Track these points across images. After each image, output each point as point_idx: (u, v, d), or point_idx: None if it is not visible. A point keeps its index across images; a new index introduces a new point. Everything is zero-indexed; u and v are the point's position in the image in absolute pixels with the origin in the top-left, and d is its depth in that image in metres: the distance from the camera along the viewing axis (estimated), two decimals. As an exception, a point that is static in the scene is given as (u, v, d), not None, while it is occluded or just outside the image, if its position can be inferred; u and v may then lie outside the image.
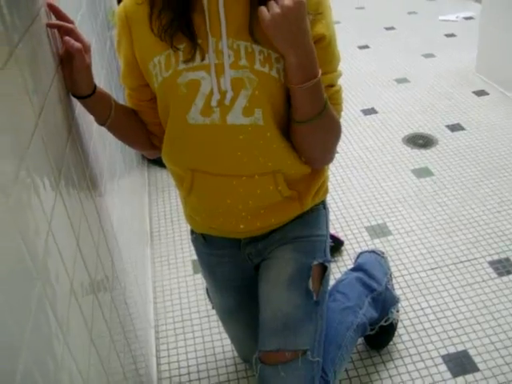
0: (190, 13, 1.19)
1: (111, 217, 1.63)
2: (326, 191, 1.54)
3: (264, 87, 1.20)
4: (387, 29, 5.46)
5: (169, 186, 3.20)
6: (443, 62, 4.64)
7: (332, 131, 1.30)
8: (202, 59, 1.20)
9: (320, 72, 1.19)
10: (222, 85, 1.20)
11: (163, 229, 2.91)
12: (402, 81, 4.33)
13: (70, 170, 1.15)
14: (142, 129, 1.42)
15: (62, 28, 1.22)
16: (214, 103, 1.22)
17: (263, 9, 1.11)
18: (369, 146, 3.52)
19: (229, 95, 1.20)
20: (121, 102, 1.48)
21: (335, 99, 1.29)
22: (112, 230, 1.60)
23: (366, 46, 5.05)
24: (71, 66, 1.22)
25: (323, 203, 1.56)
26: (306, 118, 1.21)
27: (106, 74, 2.19)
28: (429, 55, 4.78)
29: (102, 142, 1.66)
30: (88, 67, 1.25)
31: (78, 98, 1.28)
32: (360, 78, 4.38)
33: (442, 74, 4.41)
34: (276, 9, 1.09)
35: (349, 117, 3.75)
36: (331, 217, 2.81)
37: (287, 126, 1.28)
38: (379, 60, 4.75)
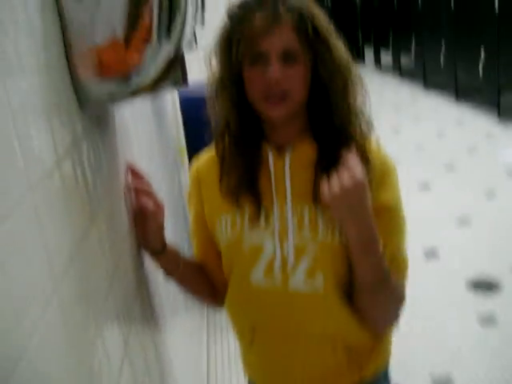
0: (256, 176, 1.26)
1: (170, 355, 1.64)
2: (388, 359, 1.48)
3: (326, 255, 1.22)
4: (447, 167, 5.52)
5: (227, 327, 3.18)
6: (505, 200, 4.61)
7: (395, 300, 1.29)
8: (267, 223, 1.25)
9: (381, 247, 1.18)
10: (285, 250, 1.23)
11: (220, 370, 2.86)
12: (463, 220, 4.30)
13: (135, 317, 1.19)
14: (206, 283, 1.45)
15: (139, 188, 1.29)
16: (276, 268, 1.26)
17: (324, 185, 1.11)
18: (430, 289, 3.44)
19: (291, 261, 1.24)
20: (184, 248, 1.54)
21: (399, 270, 1.30)
22: (170, 368, 1.60)
23: (426, 185, 5.10)
24: (144, 224, 1.28)
25: (384, 374, 1.50)
26: (366, 287, 1.22)
27: (174, 217, 2.29)
28: (490, 193, 4.76)
29: (166, 286, 1.71)
30: (160, 227, 1.31)
31: (149, 252, 1.34)
32: (420, 218, 4.35)
33: (504, 213, 4.36)
34: (336, 188, 1.09)
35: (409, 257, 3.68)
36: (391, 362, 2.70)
37: (349, 291, 1.29)
38: (439, 199, 4.77)
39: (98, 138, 1.08)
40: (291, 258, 1.24)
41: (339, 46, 1.19)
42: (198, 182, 1.39)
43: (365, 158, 1.19)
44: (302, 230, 1.23)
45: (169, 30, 0.98)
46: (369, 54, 12.91)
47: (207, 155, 1.40)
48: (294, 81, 1.15)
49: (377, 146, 1.28)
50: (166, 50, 1.00)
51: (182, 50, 1.05)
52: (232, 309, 1.42)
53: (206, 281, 1.44)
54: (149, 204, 1.27)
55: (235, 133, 1.26)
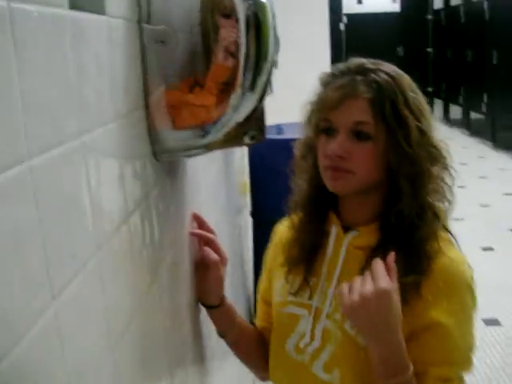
0: (316, 248, 1.20)
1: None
2: None
3: (346, 349, 1.13)
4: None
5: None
6: None
7: None
8: (309, 298, 1.19)
9: (411, 369, 1.01)
10: (316, 330, 1.17)
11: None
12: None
13: (186, 366, 1.13)
14: (261, 355, 1.37)
15: (203, 237, 1.25)
16: (302, 345, 1.19)
17: (344, 290, 1.00)
18: (489, 363, 3.25)
19: (315, 344, 1.16)
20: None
21: None
22: None
23: (490, 248, 4.89)
24: (205, 274, 1.24)
25: None
26: None
27: (232, 269, 2.23)
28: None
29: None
30: (221, 279, 1.26)
31: (205, 306, 1.29)
32: (482, 283, 4.12)
33: None
34: (355, 295, 0.97)
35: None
36: None
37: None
38: (504, 264, 4.55)
39: (167, 186, 1.04)
40: (317, 341, 1.17)
41: (424, 128, 1.07)
42: (275, 244, 1.35)
43: (426, 259, 1.07)
44: (334, 314, 1.15)
45: (254, 80, 0.93)
46: (438, 107, 12.73)
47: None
48: (360, 159, 1.06)
49: (449, 248, 1.11)
50: (250, 102, 0.94)
51: (263, 102, 1.00)
52: (271, 374, 1.34)
53: (261, 352, 1.36)
54: (211, 254, 1.23)
55: (306, 201, 1.20)
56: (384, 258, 1.02)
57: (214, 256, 1.23)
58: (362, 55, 1.15)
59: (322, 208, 1.19)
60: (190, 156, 1.09)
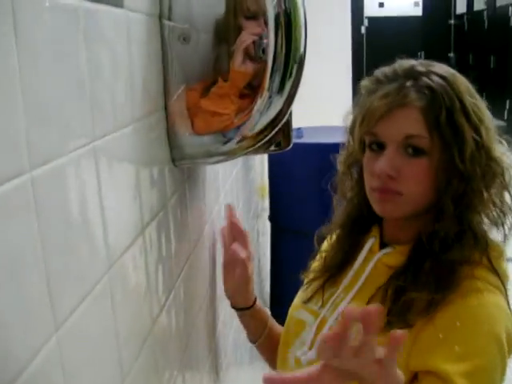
0: (346, 263, 1.08)
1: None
2: None
3: None
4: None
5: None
6: None
7: None
8: (320, 307, 1.08)
9: None
10: (316, 341, 1.04)
11: None
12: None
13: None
14: None
15: (236, 229, 1.20)
16: (299, 354, 1.07)
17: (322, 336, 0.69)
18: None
19: (311, 354, 1.04)
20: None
21: None
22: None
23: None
24: (234, 274, 1.19)
25: None
26: None
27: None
28: None
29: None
30: (249, 278, 1.20)
31: (236, 309, 1.23)
32: None
33: None
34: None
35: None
36: None
37: None
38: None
39: (186, 194, 0.97)
40: (313, 352, 1.04)
41: (483, 141, 0.92)
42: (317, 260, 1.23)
43: (451, 282, 0.90)
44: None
45: (282, 82, 0.86)
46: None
47: None
48: (411, 178, 0.92)
49: (489, 290, 0.91)
50: (277, 106, 0.87)
51: (291, 106, 0.93)
52: None
53: None
54: (240, 251, 1.17)
55: (347, 220, 1.09)
56: (412, 280, 0.92)
57: (242, 253, 1.17)
58: (382, 59, 1.01)
59: (364, 226, 1.08)
60: (210, 163, 1.02)
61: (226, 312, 1.38)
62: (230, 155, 0.89)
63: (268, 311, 1.30)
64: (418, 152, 0.90)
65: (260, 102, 0.85)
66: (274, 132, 0.91)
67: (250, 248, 1.22)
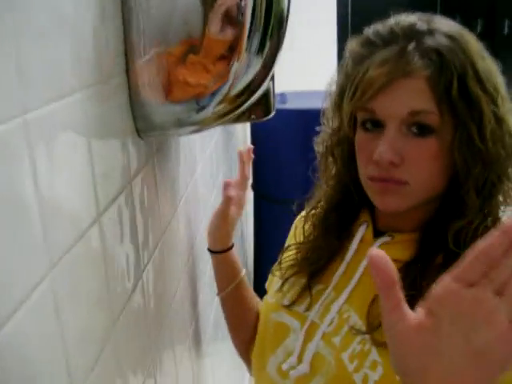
0: (333, 250, 0.94)
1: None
2: None
3: None
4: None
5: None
6: None
7: None
8: (307, 308, 0.93)
9: None
10: (305, 353, 0.90)
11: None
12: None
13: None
14: (251, 325, 1.18)
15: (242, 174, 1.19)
16: (285, 367, 0.91)
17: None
18: None
19: (302, 368, 0.90)
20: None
21: None
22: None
23: None
24: (222, 217, 1.13)
25: None
26: None
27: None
28: None
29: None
30: (231, 218, 1.14)
31: (211, 252, 1.16)
32: None
33: None
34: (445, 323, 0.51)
35: None
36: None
37: None
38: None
39: (155, 170, 0.86)
40: (306, 365, 0.90)
41: (502, 114, 0.77)
42: (294, 232, 1.09)
43: None
44: (332, 337, 0.88)
45: (262, 42, 0.75)
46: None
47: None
48: (417, 162, 0.77)
49: None
50: (256, 68, 0.76)
51: (273, 70, 0.81)
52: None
53: (253, 323, 1.16)
54: (230, 190, 1.11)
55: (331, 209, 0.95)
56: (423, 276, 0.77)
57: (232, 192, 1.12)
58: (368, 16, 0.84)
59: (351, 211, 0.94)
60: (182, 134, 0.90)
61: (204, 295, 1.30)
62: (204, 125, 0.77)
63: (243, 269, 1.20)
64: (424, 130, 0.75)
65: (237, 65, 0.74)
66: (253, 97, 0.80)
67: (245, 193, 1.18)
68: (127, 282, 0.70)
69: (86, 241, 0.54)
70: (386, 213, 0.85)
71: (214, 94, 0.76)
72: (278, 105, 1.04)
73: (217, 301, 1.20)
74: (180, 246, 1.05)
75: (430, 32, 0.76)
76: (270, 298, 1.01)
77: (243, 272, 1.17)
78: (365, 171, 0.81)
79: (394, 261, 0.80)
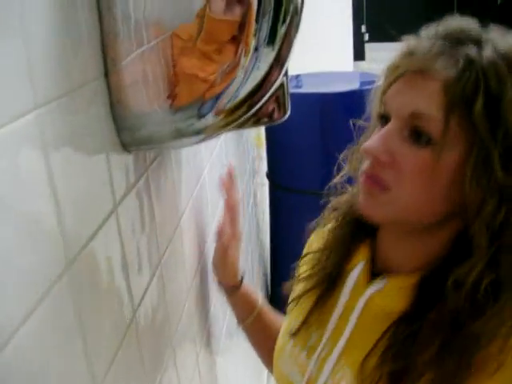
0: (335, 284, 0.85)
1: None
2: None
3: None
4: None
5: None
6: None
7: None
8: (307, 358, 0.85)
9: None
10: None
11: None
12: None
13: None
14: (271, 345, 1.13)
15: (228, 204, 1.11)
16: None
17: None
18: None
19: None
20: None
21: None
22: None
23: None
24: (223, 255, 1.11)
25: None
26: None
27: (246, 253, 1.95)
28: None
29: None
30: (231, 256, 1.11)
31: (223, 288, 1.15)
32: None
33: None
34: None
35: None
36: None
37: None
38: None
39: (150, 185, 0.73)
40: None
41: None
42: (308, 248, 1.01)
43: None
44: None
45: (273, 32, 0.61)
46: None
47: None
48: (404, 170, 0.67)
49: None
50: (266, 63, 0.63)
51: (287, 63, 0.68)
52: None
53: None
54: (227, 227, 1.09)
55: (346, 214, 0.85)
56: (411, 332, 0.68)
57: (228, 229, 1.09)
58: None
59: (360, 233, 0.83)
60: (177, 147, 0.77)
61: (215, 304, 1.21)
62: (203, 135, 0.64)
63: (260, 296, 1.17)
64: (420, 139, 0.65)
65: (243, 60, 0.61)
66: (265, 97, 0.67)
67: (237, 225, 1.12)
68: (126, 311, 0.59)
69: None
70: (367, 219, 0.74)
71: (218, 97, 0.63)
72: (292, 89, 0.91)
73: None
74: (186, 261, 0.94)
75: (477, 40, 0.66)
76: (280, 336, 0.95)
77: (260, 300, 1.14)
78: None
79: (387, 314, 0.72)
